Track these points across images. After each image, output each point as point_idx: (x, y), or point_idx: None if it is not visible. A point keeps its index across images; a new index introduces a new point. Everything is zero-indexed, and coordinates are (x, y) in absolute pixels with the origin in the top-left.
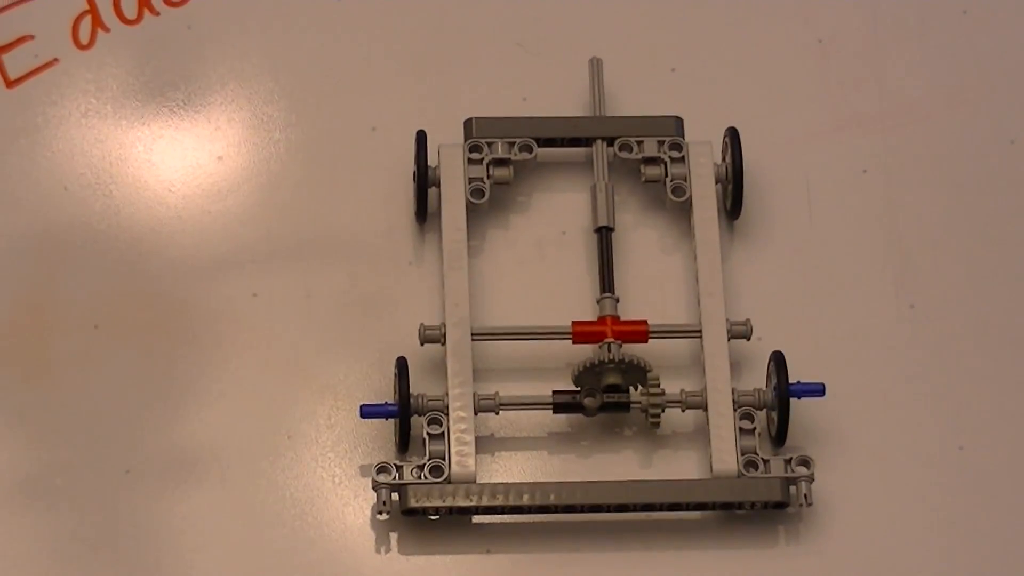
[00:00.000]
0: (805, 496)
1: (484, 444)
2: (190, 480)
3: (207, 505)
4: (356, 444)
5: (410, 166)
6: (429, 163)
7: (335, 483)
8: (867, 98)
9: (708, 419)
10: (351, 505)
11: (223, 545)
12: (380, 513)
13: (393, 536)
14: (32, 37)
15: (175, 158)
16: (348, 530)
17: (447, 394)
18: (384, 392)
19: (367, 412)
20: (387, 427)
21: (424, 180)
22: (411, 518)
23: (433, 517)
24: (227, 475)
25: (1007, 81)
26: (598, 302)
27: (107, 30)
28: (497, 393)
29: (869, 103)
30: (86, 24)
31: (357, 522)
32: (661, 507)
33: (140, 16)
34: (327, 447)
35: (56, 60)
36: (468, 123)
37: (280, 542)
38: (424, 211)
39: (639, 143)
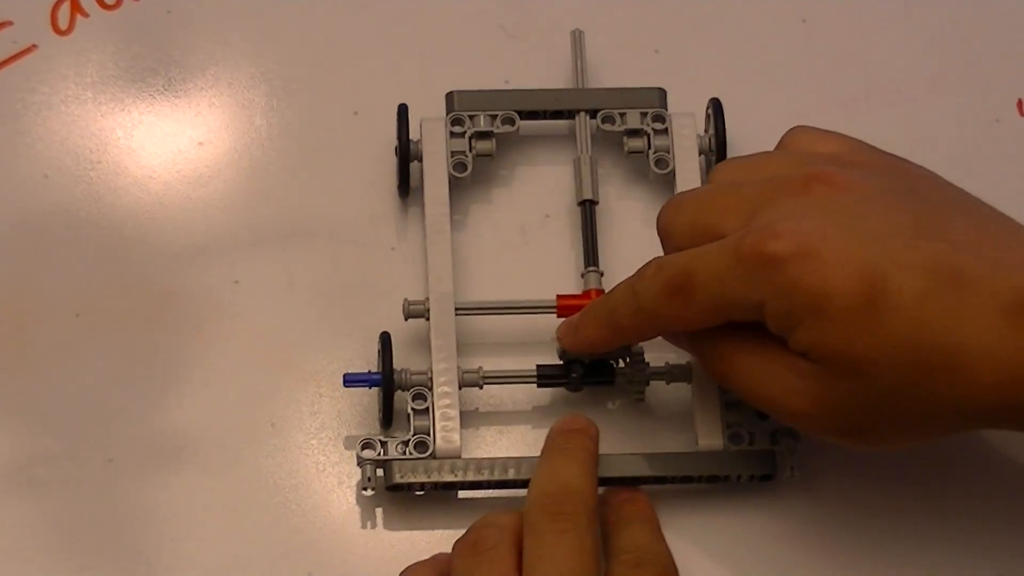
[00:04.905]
0: (792, 467)
1: (469, 419)
2: (172, 468)
3: (190, 493)
4: (340, 431)
5: (392, 152)
6: (411, 137)
7: (319, 470)
8: (851, 78)
9: (693, 392)
10: (335, 492)
11: (206, 533)
12: (365, 489)
13: (379, 516)
14: (11, 23)
15: (156, 144)
16: (333, 517)
17: (431, 369)
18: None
19: (350, 380)
20: (371, 414)
21: (406, 154)
22: (396, 498)
23: (419, 493)
24: (210, 463)
25: (992, 60)
26: (582, 276)
27: (86, 15)
28: (481, 367)
29: (854, 83)
30: (65, 10)
31: (342, 508)
32: (647, 480)
33: (120, 1)
34: (311, 434)
35: (35, 46)
36: (449, 96)
37: (264, 529)
38: (406, 186)
39: (622, 115)
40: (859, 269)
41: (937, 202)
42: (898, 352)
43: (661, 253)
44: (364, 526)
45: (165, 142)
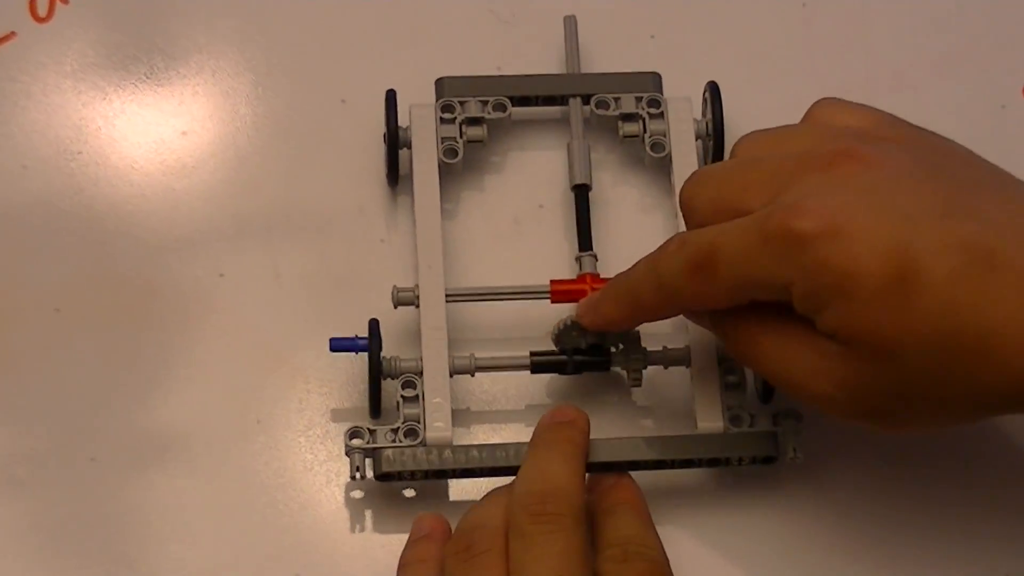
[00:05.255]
0: (795, 449)
1: (460, 417)
2: (157, 467)
3: (175, 493)
4: (328, 428)
5: (381, 141)
6: (400, 124)
7: (307, 468)
8: (852, 63)
9: (691, 375)
10: (324, 490)
11: (192, 534)
12: (353, 478)
13: (369, 516)
14: None
15: (138, 134)
16: (322, 516)
17: (421, 356)
18: (356, 375)
19: (336, 344)
20: (360, 409)
21: (395, 141)
22: (387, 496)
23: (409, 495)
24: (195, 462)
25: (997, 45)
26: (577, 260)
27: (66, 2)
28: (472, 354)
29: (854, 68)
30: None
31: (331, 507)
32: (646, 465)
33: None
34: (299, 431)
35: (13, 34)
36: (439, 82)
37: (251, 529)
38: (395, 174)
39: (616, 100)
40: (888, 249)
41: (968, 179)
42: (927, 335)
43: (658, 240)
44: (354, 525)
45: (147, 132)
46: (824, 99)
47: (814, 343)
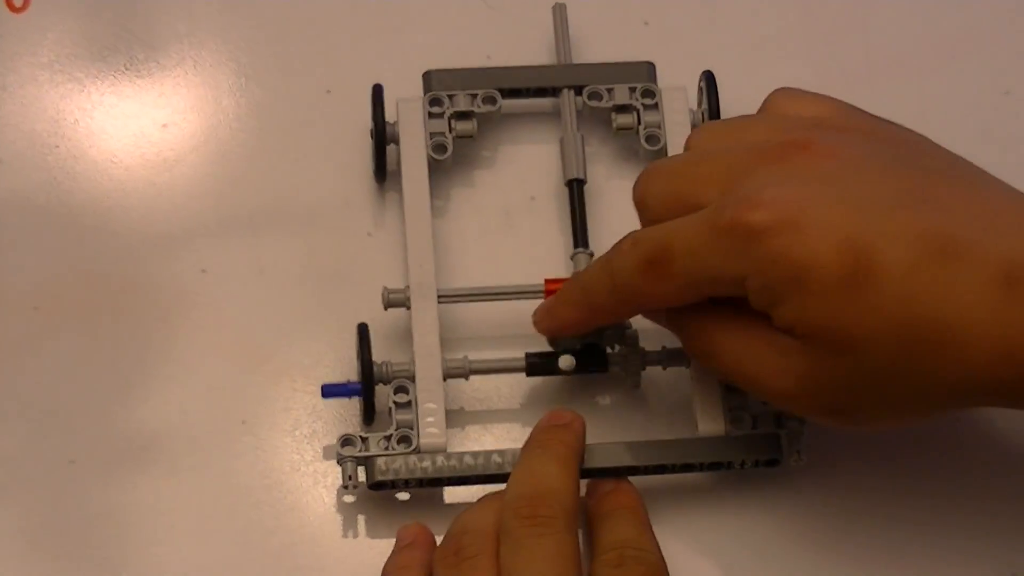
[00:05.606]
0: (798, 452)
1: (454, 418)
2: (138, 469)
3: (157, 496)
4: (315, 428)
5: (367, 132)
6: (387, 119)
7: (293, 469)
8: (852, 49)
9: (691, 376)
10: (311, 493)
11: (174, 538)
12: (346, 487)
13: (359, 518)
14: None
15: (117, 127)
16: (309, 519)
17: (413, 360)
18: (345, 372)
19: (329, 391)
20: (349, 409)
21: (382, 137)
22: (379, 499)
23: (402, 497)
24: (178, 463)
25: (1000, 30)
26: (572, 258)
27: None
28: (466, 357)
29: (854, 54)
30: None
31: (318, 510)
32: (646, 470)
33: None
34: (284, 431)
35: None
36: (427, 75)
37: (235, 533)
38: (383, 170)
39: (609, 91)
40: (843, 240)
41: (926, 168)
42: (885, 328)
43: None
44: (343, 528)
45: (127, 124)
46: (781, 88)
47: (771, 339)
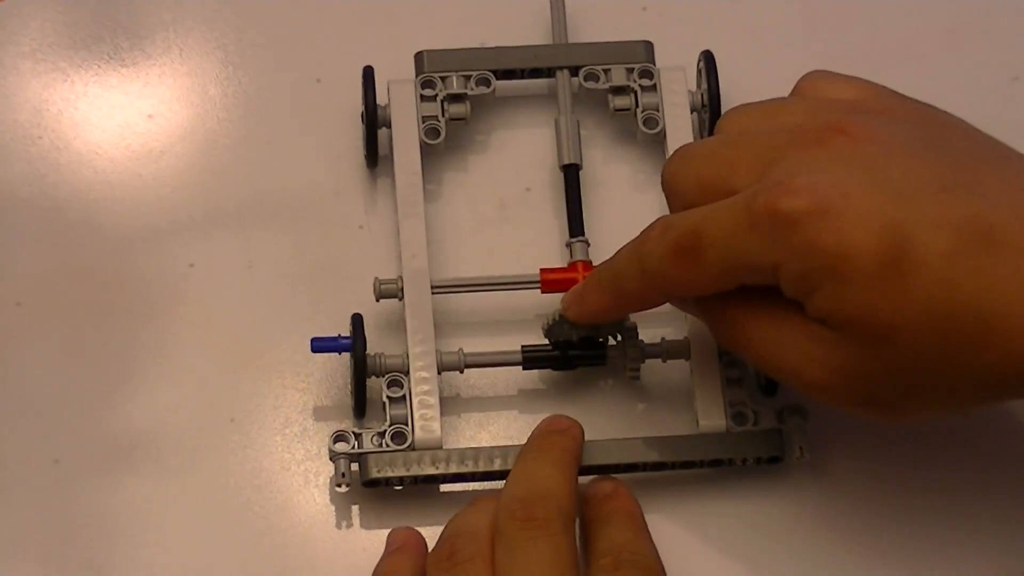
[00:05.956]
0: (801, 448)
1: (449, 406)
2: (125, 469)
3: (145, 496)
4: (306, 426)
5: (358, 121)
6: (378, 102)
7: (284, 468)
8: (856, 33)
9: (691, 369)
10: (303, 492)
11: (163, 538)
12: (339, 486)
13: (352, 515)
14: None
15: (102, 117)
16: (300, 518)
17: (407, 353)
18: (336, 368)
19: (318, 345)
20: (340, 406)
21: (373, 120)
22: (371, 493)
23: (397, 487)
24: (166, 462)
25: (1007, 15)
26: (568, 247)
27: None
28: (461, 349)
29: (859, 37)
30: None
31: (310, 510)
32: (645, 467)
33: None
34: (275, 429)
35: None
36: (419, 56)
37: (225, 534)
38: (375, 155)
39: (606, 71)
40: (881, 228)
41: (966, 153)
42: (923, 318)
43: (651, 220)
44: (335, 527)
45: (112, 115)
46: (814, 71)
47: (806, 329)
